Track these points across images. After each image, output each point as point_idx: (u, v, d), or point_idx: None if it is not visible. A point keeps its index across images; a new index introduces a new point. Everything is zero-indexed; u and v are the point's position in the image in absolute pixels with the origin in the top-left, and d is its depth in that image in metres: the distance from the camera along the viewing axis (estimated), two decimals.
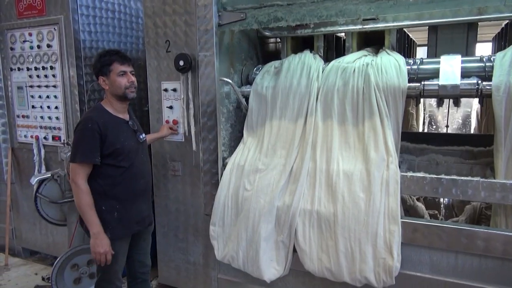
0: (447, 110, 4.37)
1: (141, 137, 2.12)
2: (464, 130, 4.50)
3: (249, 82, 2.62)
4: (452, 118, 4.55)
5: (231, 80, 2.43)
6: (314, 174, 2.11)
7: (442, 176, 1.94)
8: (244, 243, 2.18)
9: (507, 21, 2.55)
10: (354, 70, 2.15)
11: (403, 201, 2.28)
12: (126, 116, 2.08)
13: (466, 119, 4.49)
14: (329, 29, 2.37)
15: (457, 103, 2.33)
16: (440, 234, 1.90)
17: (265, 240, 2.12)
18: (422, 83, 2.07)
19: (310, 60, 2.34)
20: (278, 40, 3.01)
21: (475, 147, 2.49)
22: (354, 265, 1.95)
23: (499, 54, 2.00)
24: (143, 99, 2.84)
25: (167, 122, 2.57)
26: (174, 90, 2.53)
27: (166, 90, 2.56)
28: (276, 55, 2.92)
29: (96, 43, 2.99)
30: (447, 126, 4.09)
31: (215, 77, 2.32)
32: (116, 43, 3.15)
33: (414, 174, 1.99)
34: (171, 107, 2.56)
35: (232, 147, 2.56)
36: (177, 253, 2.71)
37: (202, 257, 2.62)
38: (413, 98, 2.23)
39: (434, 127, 4.67)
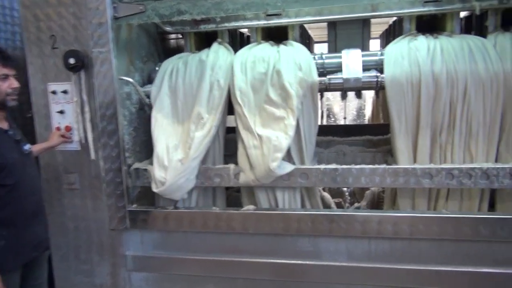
0: (343, 103, 4.67)
1: (25, 148, 1.81)
2: (358, 121, 4.85)
3: (151, 81, 2.43)
4: (347, 110, 4.87)
5: (131, 79, 2.22)
6: None
7: (352, 166, 2.02)
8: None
9: (395, 18, 2.76)
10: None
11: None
12: (4, 125, 1.76)
13: (360, 110, 4.85)
14: (234, 24, 2.31)
15: (359, 95, 2.46)
16: (354, 223, 1.97)
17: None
18: (328, 77, 2.13)
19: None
20: (180, 36, 2.86)
21: (375, 136, 2.66)
22: None
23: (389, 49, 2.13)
24: (24, 104, 2.43)
25: (58, 129, 2.24)
26: (65, 92, 2.21)
27: (54, 92, 2.23)
28: (178, 52, 2.75)
29: None
30: (344, 118, 4.35)
31: (113, 76, 2.09)
32: None
33: (327, 167, 2.03)
34: (62, 112, 2.23)
35: (138, 152, 2.35)
36: (79, 276, 2.39)
37: (110, 277, 2.36)
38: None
39: (333, 119, 4.95)
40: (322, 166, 2.04)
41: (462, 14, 2.34)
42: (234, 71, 2.13)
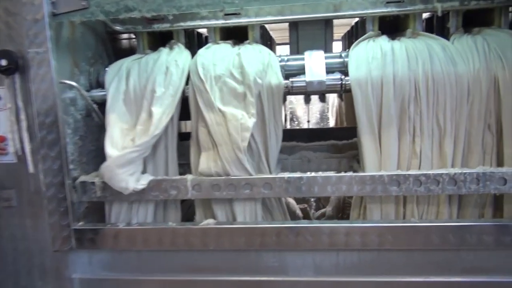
0: (306, 106, 4.61)
1: None
2: (322, 124, 4.81)
3: (100, 84, 2.22)
4: (311, 113, 4.81)
5: (76, 83, 2.01)
6: None
7: (319, 174, 1.92)
8: None
9: (357, 19, 2.70)
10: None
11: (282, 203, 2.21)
12: None
13: (323, 113, 4.81)
14: (190, 23, 2.14)
15: (323, 99, 2.37)
16: (321, 235, 1.87)
17: None
18: (291, 80, 2.02)
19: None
20: (133, 36, 2.66)
21: (340, 140, 2.58)
22: None
23: (353, 49, 2.05)
24: None
25: None
26: None
27: None
28: (131, 54, 2.55)
29: None
30: (308, 121, 4.29)
31: (52, 79, 1.87)
32: None
33: (291, 175, 1.92)
34: None
35: (84, 163, 2.13)
36: None
37: None
38: None
39: (296, 122, 4.88)
40: (286, 175, 1.92)
41: (424, 15, 2.32)
42: (198, 52, 2.07)
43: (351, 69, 1.96)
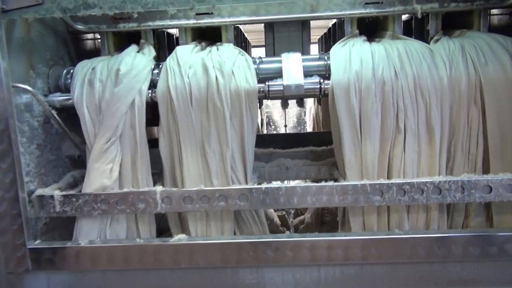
0: (283, 110, 4.52)
1: None
2: (299, 128, 4.73)
3: (60, 88, 2.04)
4: (288, 117, 4.73)
5: (31, 87, 1.83)
6: None
7: (297, 184, 1.80)
8: None
9: (335, 20, 2.62)
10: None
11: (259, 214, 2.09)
12: None
13: (300, 118, 4.73)
14: (159, 23, 2.02)
15: (301, 104, 2.26)
16: (302, 249, 1.75)
17: None
18: (267, 83, 1.90)
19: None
20: (98, 36, 2.48)
21: (319, 145, 2.48)
22: None
23: (334, 51, 1.95)
24: None
25: None
26: None
27: None
28: (95, 55, 2.38)
29: None
30: (285, 126, 4.20)
31: (2, 82, 1.68)
32: None
33: (269, 186, 1.79)
34: None
35: (43, 174, 1.95)
36: None
37: None
38: None
39: (273, 127, 4.78)
40: (264, 186, 1.80)
41: (403, 17, 2.26)
42: (176, 49, 1.95)
43: (333, 66, 1.86)
